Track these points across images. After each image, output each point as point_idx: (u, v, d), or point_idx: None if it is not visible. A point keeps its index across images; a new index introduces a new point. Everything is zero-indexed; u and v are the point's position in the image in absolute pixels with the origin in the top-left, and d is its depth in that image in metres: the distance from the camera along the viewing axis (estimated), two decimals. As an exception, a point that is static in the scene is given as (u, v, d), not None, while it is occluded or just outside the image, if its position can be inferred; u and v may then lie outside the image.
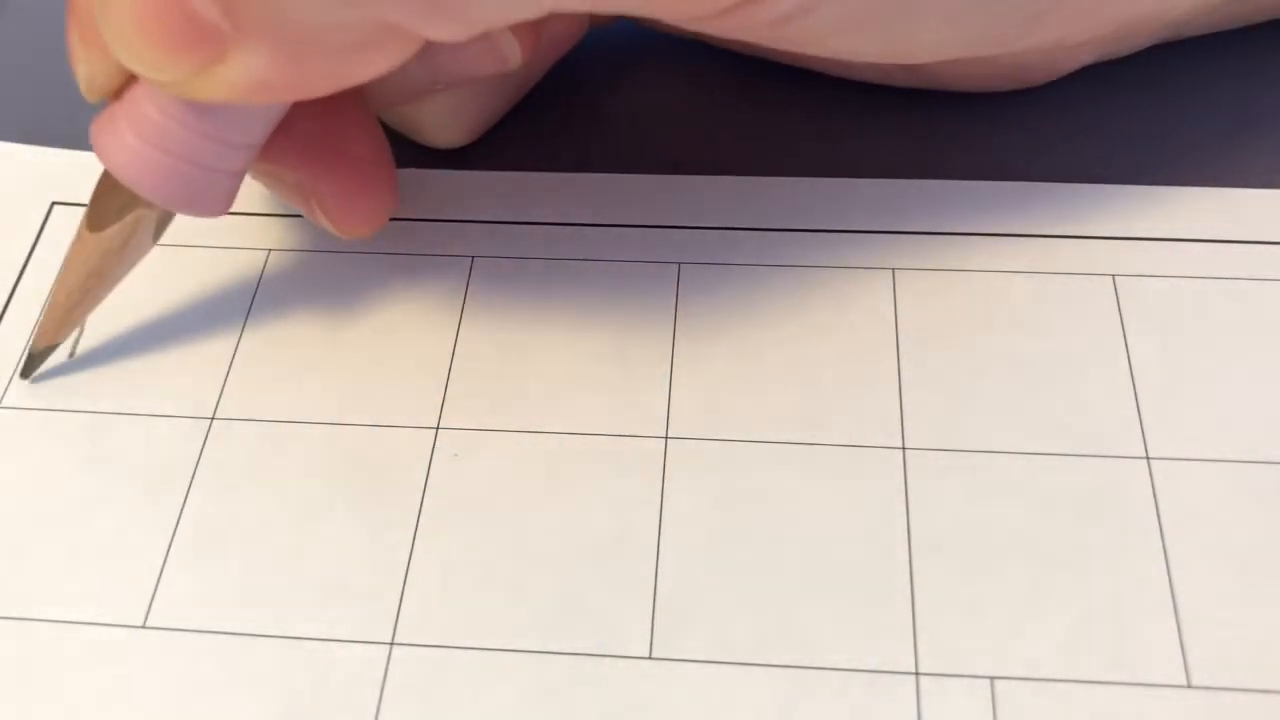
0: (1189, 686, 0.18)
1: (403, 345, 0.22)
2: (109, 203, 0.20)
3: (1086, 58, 0.23)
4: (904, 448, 0.20)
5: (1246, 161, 0.24)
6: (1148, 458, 0.20)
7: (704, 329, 0.22)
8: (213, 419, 0.21)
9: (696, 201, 0.24)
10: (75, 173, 0.25)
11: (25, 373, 0.22)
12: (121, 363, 0.22)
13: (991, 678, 0.18)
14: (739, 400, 0.21)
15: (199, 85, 0.17)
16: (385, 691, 0.18)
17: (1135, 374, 0.21)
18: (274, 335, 0.22)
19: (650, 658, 0.18)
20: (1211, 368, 0.21)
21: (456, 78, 0.21)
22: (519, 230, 0.24)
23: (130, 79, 0.18)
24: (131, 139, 0.18)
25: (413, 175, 0.24)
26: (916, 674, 0.18)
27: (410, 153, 0.24)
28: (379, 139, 0.21)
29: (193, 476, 0.21)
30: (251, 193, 0.24)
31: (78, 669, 0.19)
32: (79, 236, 0.20)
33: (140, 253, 0.21)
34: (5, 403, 0.22)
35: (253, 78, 0.16)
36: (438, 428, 0.21)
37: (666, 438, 0.21)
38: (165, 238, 0.24)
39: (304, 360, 0.22)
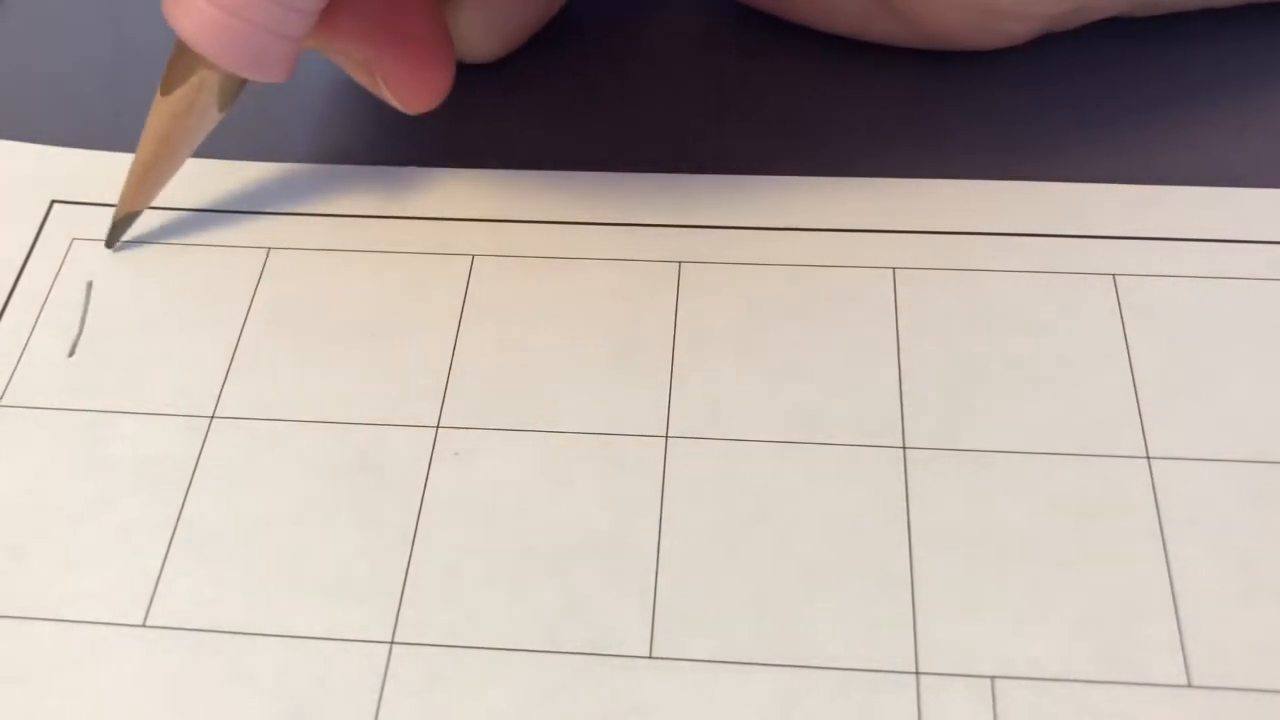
0: (1189, 686, 0.18)
1: (403, 344, 0.22)
2: (179, 68, 0.21)
3: (1053, 8, 0.23)
4: (904, 447, 0.20)
5: (1246, 161, 0.24)
6: (1148, 457, 0.20)
7: (704, 328, 0.22)
8: (212, 418, 0.21)
9: (696, 201, 0.24)
10: (75, 171, 0.25)
11: (110, 241, 0.23)
12: (121, 362, 0.22)
13: (992, 677, 0.18)
14: (739, 400, 0.21)
15: None
16: (385, 691, 0.18)
17: (1136, 373, 0.21)
18: (274, 334, 0.22)
19: (650, 657, 0.18)
20: (1212, 367, 0.21)
21: None
22: (519, 229, 0.23)
23: None
24: (201, 3, 0.20)
25: (413, 173, 0.24)
26: (917, 673, 0.18)
27: (411, 152, 0.24)
28: (437, 17, 0.22)
29: (192, 476, 0.21)
30: (252, 192, 0.24)
31: (78, 668, 0.19)
32: (154, 103, 0.22)
33: (206, 119, 0.22)
34: (5, 402, 0.22)
35: None
36: (438, 427, 0.21)
37: (666, 437, 0.21)
38: (166, 236, 0.24)
39: (304, 359, 0.22)
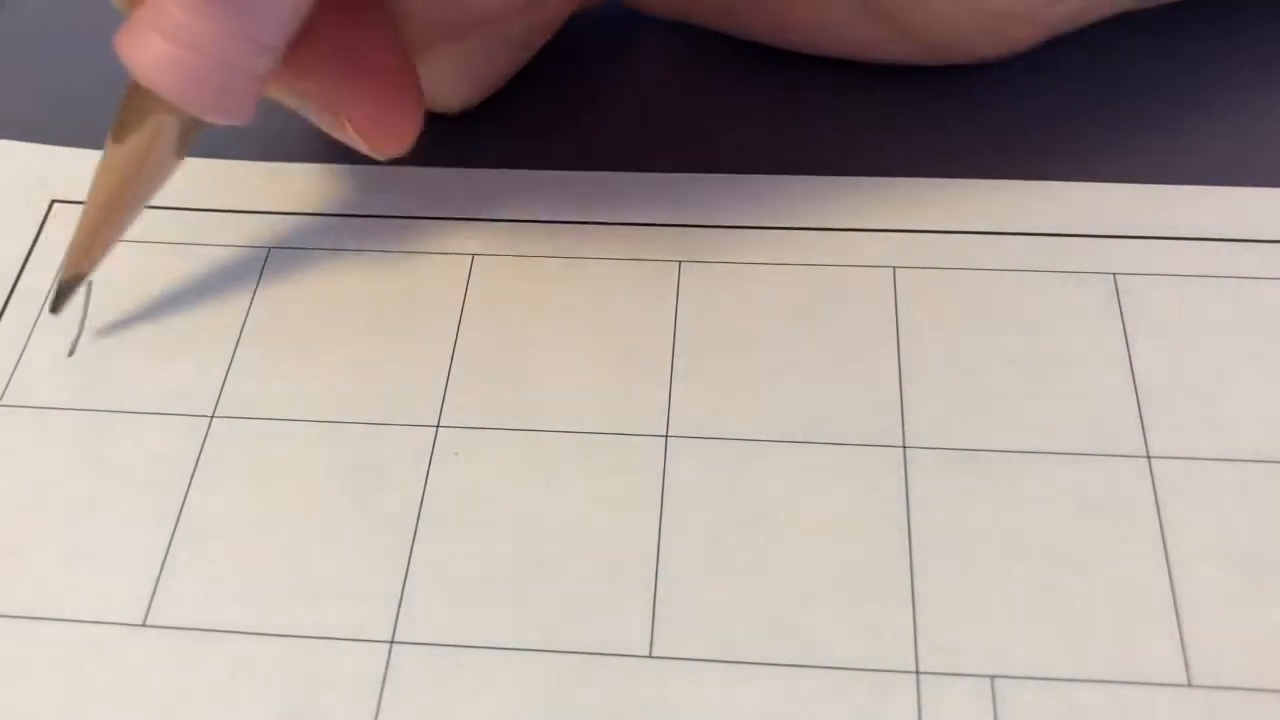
0: (1190, 685, 0.18)
1: (403, 343, 0.22)
2: (133, 112, 0.20)
3: (1063, 8, 0.23)
4: (904, 446, 0.20)
5: (1247, 160, 0.24)
6: (1148, 456, 0.20)
7: (704, 328, 0.22)
8: (212, 417, 0.21)
9: (696, 200, 0.24)
10: (75, 171, 0.25)
11: (54, 307, 0.22)
12: (121, 361, 0.22)
13: (992, 676, 0.18)
14: (739, 399, 0.21)
15: None
16: (385, 690, 0.18)
17: (1136, 372, 0.21)
18: (274, 334, 0.22)
19: (650, 656, 0.18)
20: (1212, 366, 0.21)
21: (482, 12, 0.21)
22: (519, 228, 0.23)
23: None
24: (155, 39, 0.18)
25: (413, 173, 0.24)
26: (917, 673, 0.18)
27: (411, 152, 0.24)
28: (404, 58, 0.21)
29: (192, 475, 0.21)
30: (252, 192, 0.24)
31: (78, 668, 0.19)
32: (105, 152, 0.20)
33: (163, 168, 0.20)
34: (5, 402, 0.22)
35: None
36: (438, 426, 0.21)
37: (667, 436, 0.21)
38: (166, 236, 0.24)
39: (304, 359, 0.22)
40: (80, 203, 0.24)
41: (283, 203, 0.24)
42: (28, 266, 0.24)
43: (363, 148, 0.21)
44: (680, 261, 0.23)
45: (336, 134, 0.21)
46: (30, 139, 0.26)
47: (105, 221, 0.21)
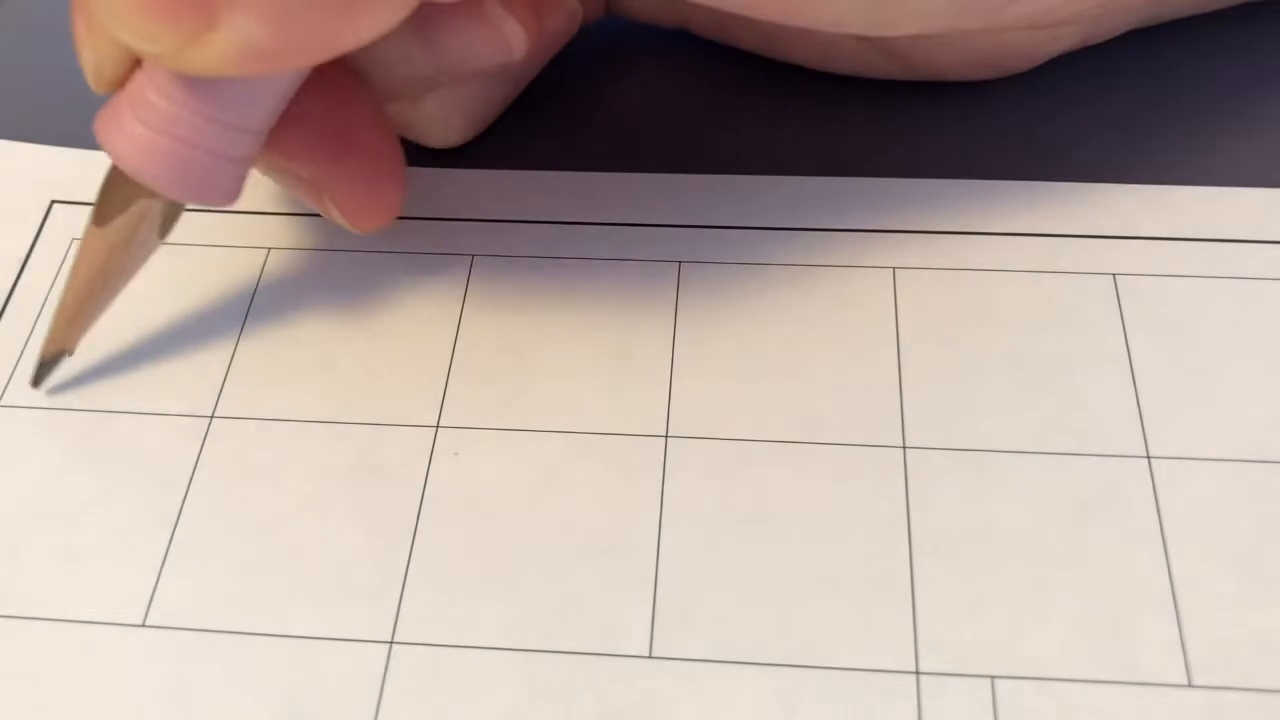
0: (1190, 685, 0.18)
1: (403, 344, 0.22)
2: (115, 196, 0.20)
3: (1067, 42, 0.23)
4: (904, 446, 0.20)
5: (1246, 161, 0.24)
6: (1148, 456, 0.20)
7: (704, 328, 0.22)
8: (212, 417, 0.21)
9: (696, 201, 0.24)
10: (75, 172, 0.25)
11: (36, 381, 0.22)
12: (121, 361, 0.22)
13: (992, 677, 0.18)
14: (739, 399, 0.21)
15: (193, 56, 0.17)
16: (385, 690, 0.18)
17: (1136, 373, 0.21)
18: (273, 334, 0.22)
19: (650, 657, 0.18)
20: (1212, 367, 0.21)
21: (460, 68, 0.21)
22: (519, 229, 0.23)
23: (134, 68, 0.18)
24: (135, 127, 0.18)
25: (413, 174, 0.24)
26: (917, 673, 0.18)
27: (407, 153, 0.24)
28: (389, 133, 0.21)
29: (192, 475, 0.21)
30: (251, 191, 0.24)
31: (77, 668, 0.19)
32: (86, 234, 0.20)
33: (146, 249, 0.20)
34: (5, 402, 0.22)
35: (245, 44, 0.16)
36: (438, 426, 0.21)
37: (667, 436, 0.21)
38: (166, 236, 0.24)
39: (303, 359, 0.22)
40: (80, 203, 0.24)
41: (282, 203, 0.24)
42: (27, 266, 0.24)
43: (342, 223, 0.21)
44: (680, 262, 0.23)
45: (317, 208, 0.21)
46: (30, 139, 0.26)
47: (88, 301, 0.21)
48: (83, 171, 0.25)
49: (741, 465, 0.20)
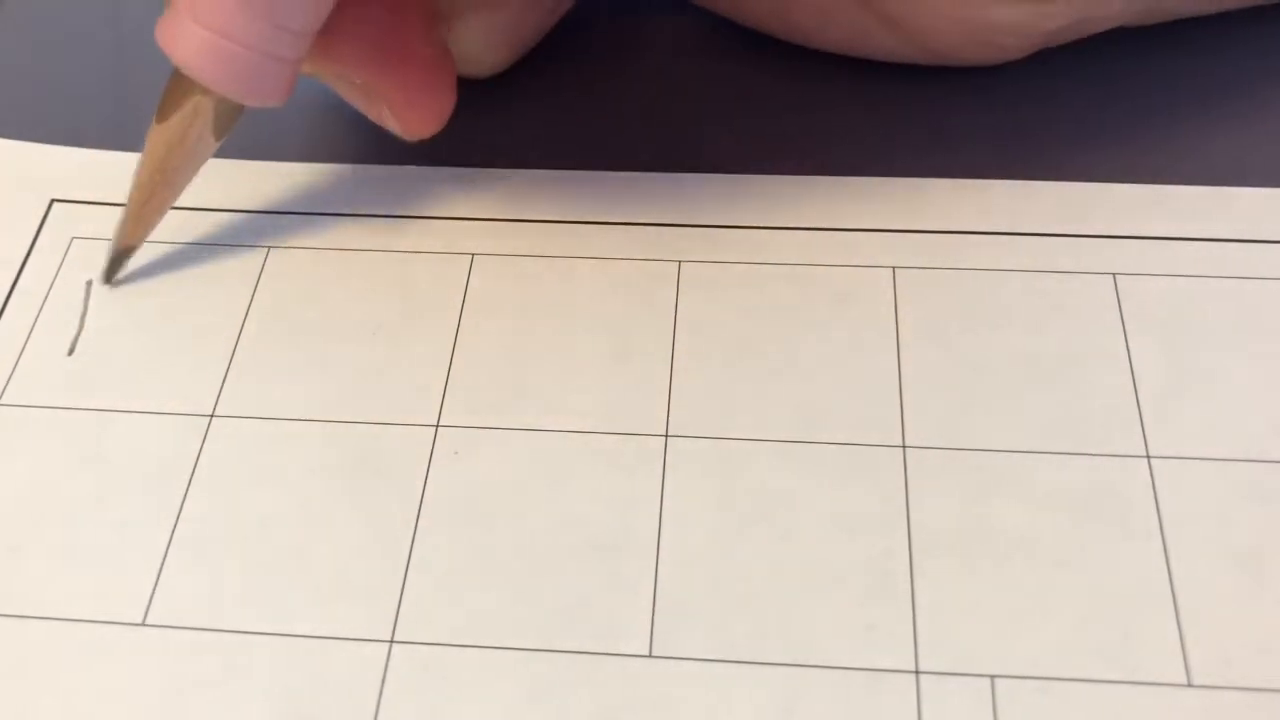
0: (1189, 685, 0.18)
1: (402, 343, 0.22)
2: (174, 94, 0.21)
3: (1059, 21, 0.23)
4: (904, 446, 0.20)
5: (1246, 161, 0.24)
6: (1148, 456, 0.20)
7: (704, 327, 0.22)
8: (212, 417, 0.21)
9: (696, 200, 0.24)
10: (74, 170, 0.25)
11: (107, 276, 0.23)
12: (121, 361, 0.22)
13: (992, 676, 0.18)
14: (739, 399, 0.21)
15: None
16: (385, 690, 0.18)
17: (1136, 372, 0.21)
18: (273, 333, 0.22)
19: (650, 656, 0.18)
20: (1212, 366, 0.21)
21: None
22: (519, 228, 0.23)
23: None
24: (191, 26, 0.19)
25: (413, 173, 0.24)
26: (917, 673, 0.18)
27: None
28: (439, 40, 0.22)
29: (192, 474, 0.21)
30: (252, 191, 0.24)
31: (77, 667, 0.19)
32: (150, 132, 0.21)
33: (203, 146, 0.21)
34: (5, 401, 0.22)
35: None
36: (437, 425, 0.21)
37: (667, 436, 0.21)
38: (167, 235, 0.24)
39: (304, 358, 0.22)
40: (80, 202, 0.24)
41: (283, 202, 0.24)
42: (27, 266, 0.24)
43: (396, 129, 0.22)
44: (680, 261, 0.23)
45: (371, 115, 0.22)
46: (30, 139, 0.26)
47: (151, 196, 0.22)
48: (83, 171, 0.25)
49: (741, 465, 0.20)
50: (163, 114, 0.21)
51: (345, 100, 0.23)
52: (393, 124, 0.22)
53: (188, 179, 0.22)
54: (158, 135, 0.21)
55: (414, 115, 0.22)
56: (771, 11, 0.25)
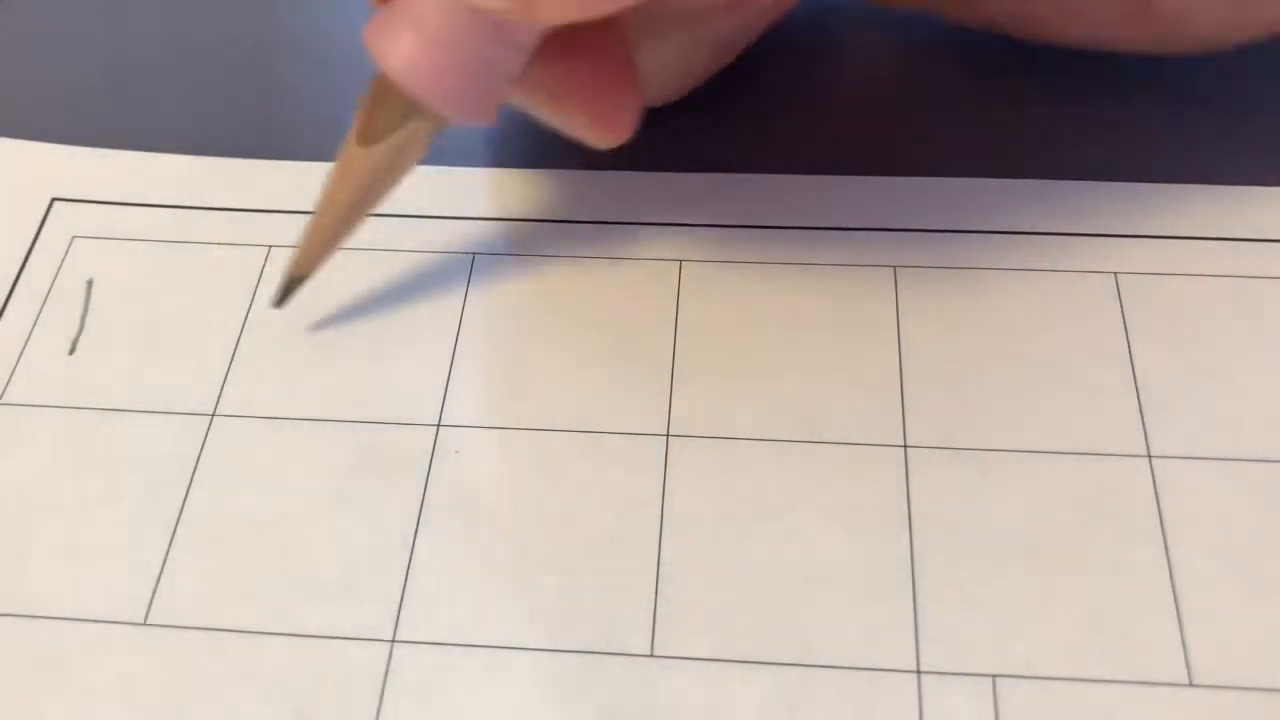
0: (1190, 685, 0.18)
1: (404, 342, 0.22)
2: (381, 114, 0.19)
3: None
4: (905, 446, 0.20)
5: (1246, 161, 0.24)
6: (1149, 456, 0.20)
7: (705, 326, 0.22)
8: (213, 416, 0.21)
9: (697, 199, 0.24)
10: (75, 170, 0.25)
11: (279, 301, 0.22)
12: (122, 360, 0.22)
13: (993, 676, 0.18)
14: (740, 398, 0.21)
15: (544, 4, 0.16)
16: (386, 689, 0.18)
17: (1137, 372, 0.21)
18: (274, 332, 0.22)
19: (651, 655, 0.18)
20: (1214, 366, 0.21)
21: (688, 14, 0.21)
22: (519, 228, 0.23)
23: None
24: (411, 39, 0.18)
25: (416, 173, 0.24)
26: (918, 672, 0.18)
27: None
28: (627, 51, 0.21)
29: (193, 474, 0.21)
30: (252, 191, 0.24)
31: (78, 666, 0.19)
32: (346, 154, 0.20)
33: (408, 168, 0.20)
34: (6, 400, 0.22)
35: None
36: (439, 425, 0.21)
37: (667, 435, 0.21)
38: (166, 235, 0.24)
39: (305, 357, 0.22)
40: (80, 201, 0.24)
41: (283, 201, 0.24)
42: (28, 265, 0.23)
43: (589, 137, 0.21)
44: (681, 261, 0.23)
45: (561, 123, 0.21)
46: (30, 138, 0.26)
47: (344, 225, 0.20)
48: (83, 170, 0.25)
49: (741, 465, 0.20)
50: (368, 137, 0.19)
51: (529, 113, 0.22)
52: (585, 130, 0.21)
53: (384, 200, 0.21)
54: (363, 160, 0.19)
55: (606, 122, 0.21)
56: (1011, 8, 0.24)
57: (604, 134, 0.21)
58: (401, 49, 0.18)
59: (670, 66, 0.23)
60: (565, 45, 0.20)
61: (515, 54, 0.18)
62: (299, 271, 0.21)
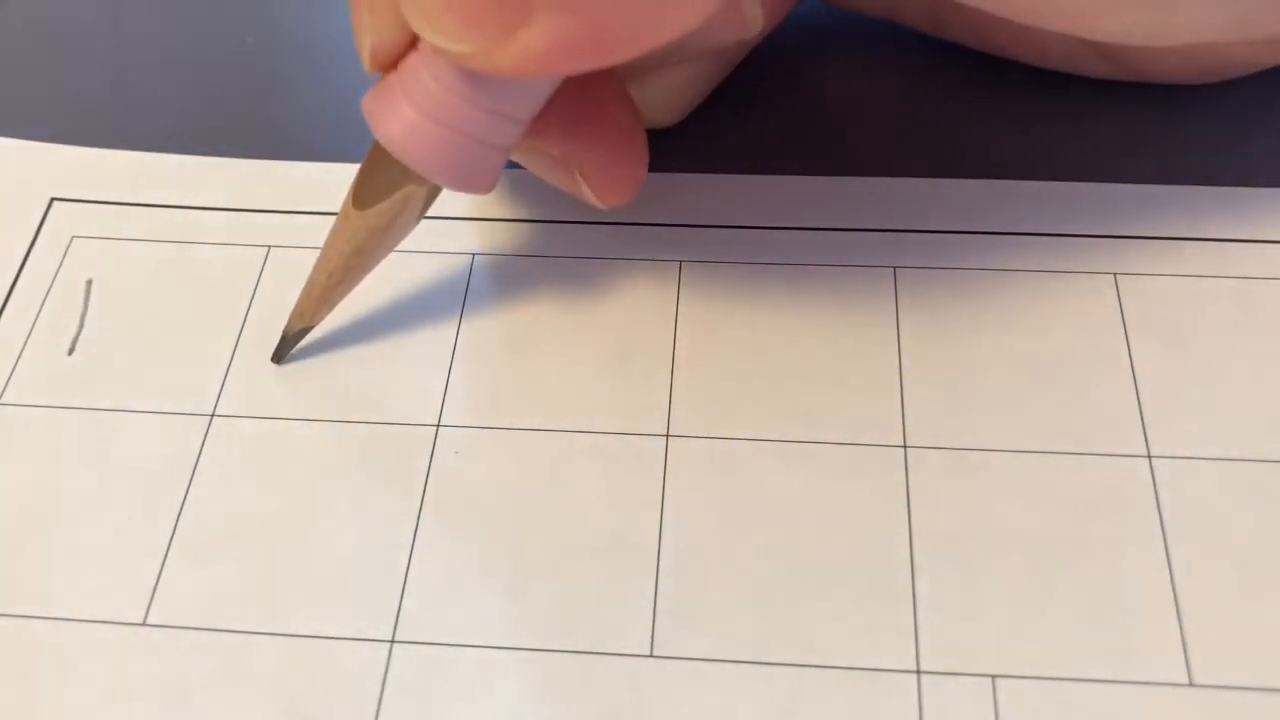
0: (1190, 685, 0.18)
1: (403, 343, 0.22)
2: (378, 179, 0.20)
3: None
4: (905, 446, 0.20)
5: (1247, 161, 0.24)
6: (1149, 456, 0.20)
7: (704, 328, 0.22)
8: (212, 416, 0.21)
9: (697, 199, 0.24)
10: (75, 169, 0.25)
11: (277, 356, 0.22)
12: (121, 361, 0.22)
13: (993, 676, 0.18)
14: (740, 399, 0.21)
15: (500, 55, 0.16)
16: (385, 690, 0.18)
17: (1137, 372, 0.21)
18: (273, 333, 0.22)
19: (651, 656, 0.18)
20: (1213, 366, 0.21)
21: (698, 45, 0.21)
22: (519, 228, 0.23)
23: (407, 51, 0.18)
24: (408, 110, 0.18)
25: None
26: (918, 672, 0.18)
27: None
28: (633, 108, 0.21)
29: (192, 474, 0.21)
30: (252, 191, 0.24)
31: (77, 667, 0.19)
32: (344, 214, 0.20)
33: (405, 231, 0.20)
34: (5, 400, 0.22)
35: (555, 42, 0.16)
36: (438, 425, 0.21)
37: (667, 436, 0.21)
38: (166, 235, 0.24)
39: (303, 358, 0.22)
40: (80, 201, 0.24)
41: (283, 201, 0.24)
42: (27, 265, 0.23)
43: (591, 200, 0.21)
44: (681, 261, 0.23)
45: (561, 185, 0.21)
46: (30, 137, 0.26)
47: (341, 283, 0.21)
48: (83, 170, 0.25)
49: (741, 465, 0.20)
50: (364, 200, 0.20)
51: (532, 171, 0.22)
52: (587, 194, 0.21)
53: (381, 259, 0.21)
54: (358, 222, 0.20)
55: (611, 184, 0.21)
56: (987, 42, 0.25)
57: (608, 200, 0.21)
58: (398, 119, 0.18)
59: (677, 92, 0.24)
60: (564, 116, 0.20)
61: (511, 126, 0.18)
62: (298, 325, 0.21)
